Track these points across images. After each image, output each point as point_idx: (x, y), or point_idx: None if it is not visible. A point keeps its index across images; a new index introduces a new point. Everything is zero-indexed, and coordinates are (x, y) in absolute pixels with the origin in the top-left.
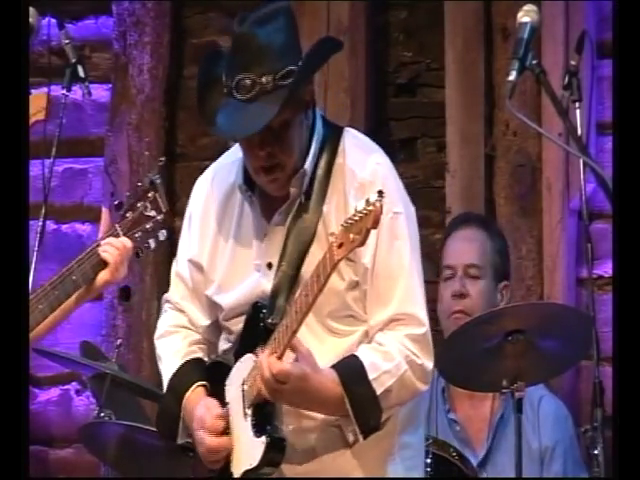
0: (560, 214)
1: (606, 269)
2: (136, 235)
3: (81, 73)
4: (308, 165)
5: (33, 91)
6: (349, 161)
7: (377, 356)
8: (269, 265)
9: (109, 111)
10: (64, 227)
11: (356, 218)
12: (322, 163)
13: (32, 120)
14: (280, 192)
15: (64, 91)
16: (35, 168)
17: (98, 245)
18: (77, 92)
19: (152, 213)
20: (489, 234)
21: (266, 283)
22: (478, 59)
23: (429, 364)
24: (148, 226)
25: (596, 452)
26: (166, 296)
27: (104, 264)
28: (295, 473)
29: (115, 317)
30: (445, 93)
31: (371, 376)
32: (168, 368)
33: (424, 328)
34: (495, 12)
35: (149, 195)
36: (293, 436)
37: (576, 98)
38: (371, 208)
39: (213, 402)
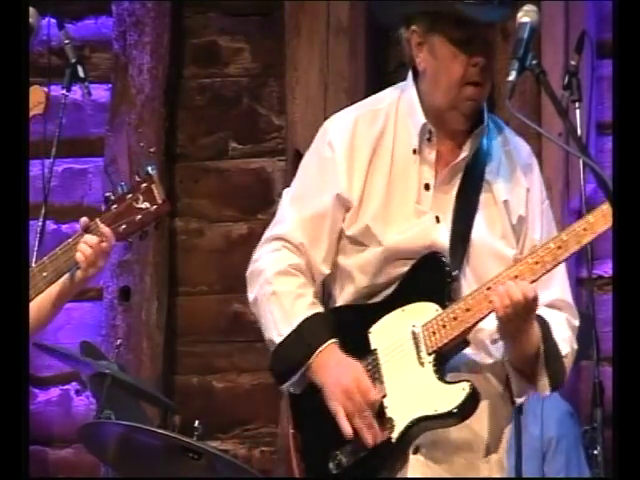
0: (560, 214)
1: (606, 269)
2: (120, 228)
3: (81, 73)
4: (486, 121)
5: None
6: (511, 139)
7: (556, 323)
8: (437, 218)
9: (109, 111)
10: (64, 227)
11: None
12: (491, 132)
13: (30, 114)
14: (463, 124)
15: (64, 91)
16: (35, 168)
17: (76, 242)
18: (77, 92)
19: (144, 205)
20: None
21: (436, 234)
22: None
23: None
24: (137, 218)
25: (595, 452)
26: (281, 234)
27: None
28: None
29: (115, 317)
30: None
31: (556, 337)
32: (290, 308)
33: (578, 320)
34: None
35: (141, 187)
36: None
37: (576, 98)
38: None
39: (358, 369)
